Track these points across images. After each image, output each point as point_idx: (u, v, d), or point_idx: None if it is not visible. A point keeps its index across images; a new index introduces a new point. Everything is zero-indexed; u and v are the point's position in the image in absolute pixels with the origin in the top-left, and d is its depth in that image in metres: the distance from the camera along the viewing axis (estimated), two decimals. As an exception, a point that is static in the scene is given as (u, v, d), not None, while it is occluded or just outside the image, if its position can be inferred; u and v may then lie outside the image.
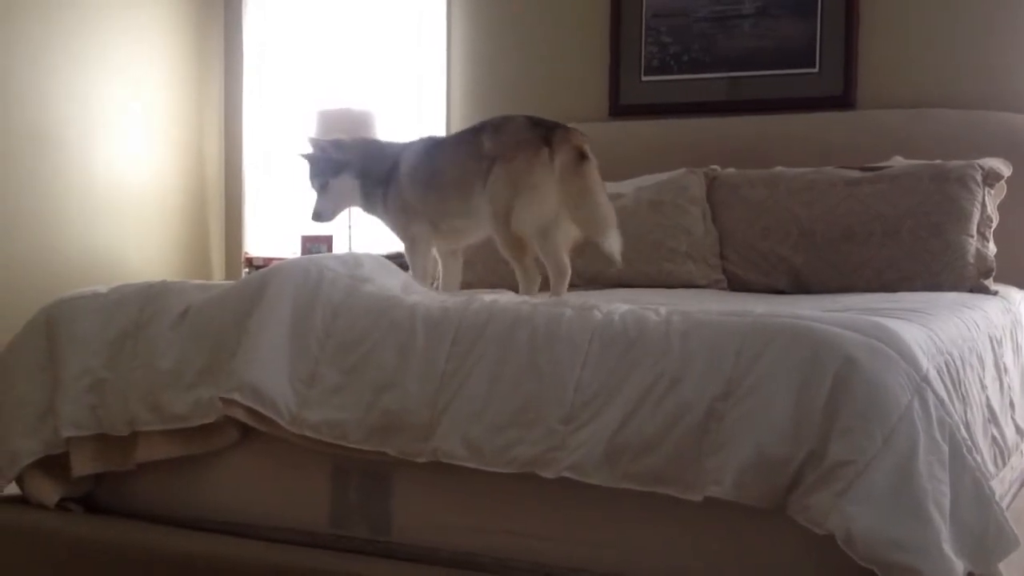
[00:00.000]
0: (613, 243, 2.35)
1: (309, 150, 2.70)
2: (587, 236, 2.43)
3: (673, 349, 1.72)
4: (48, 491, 2.17)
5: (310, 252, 4.09)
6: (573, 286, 2.67)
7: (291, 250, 4.26)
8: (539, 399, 1.76)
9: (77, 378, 2.14)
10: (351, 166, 2.66)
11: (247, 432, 2.00)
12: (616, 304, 1.91)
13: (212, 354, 2.04)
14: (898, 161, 3.19)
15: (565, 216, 2.42)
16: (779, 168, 3.27)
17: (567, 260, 2.51)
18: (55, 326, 2.22)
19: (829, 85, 3.65)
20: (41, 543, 2.12)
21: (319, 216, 2.67)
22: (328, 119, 4.01)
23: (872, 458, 1.53)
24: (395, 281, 2.17)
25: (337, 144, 2.72)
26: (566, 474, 1.71)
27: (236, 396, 1.94)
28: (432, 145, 2.69)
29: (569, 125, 2.53)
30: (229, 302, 2.10)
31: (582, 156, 2.40)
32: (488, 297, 2.03)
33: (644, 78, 3.91)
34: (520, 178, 2.39)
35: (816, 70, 3.68)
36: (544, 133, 2.44)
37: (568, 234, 2.48)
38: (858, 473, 1.52)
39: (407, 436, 1.84)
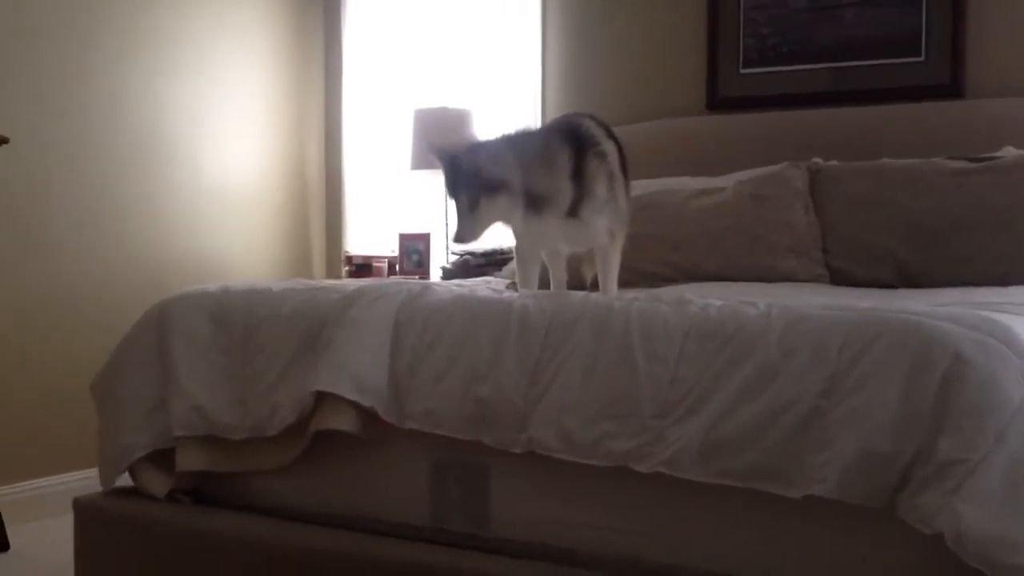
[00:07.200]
0: None
1: None
2: None
3: (773, 344, 1.68)
4: (158, 483, 2.23)
5: (408, 250, 4.14)
6: (671, 280, 2.64)
7: (390, 248, 4.32)
8: (634, 393, 1.75)
9: (188, 378, 2.19)
10: None
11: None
12: (712, 299, 1.89)
13: (312, 351, 2.07)
14: (1009, 151, 3.09)
15: None
16: (884, 160, 3.19)
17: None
18: (166, 324, 2.27)
19: (936, 73, 3.55)
20: (150, 533, 2.19)
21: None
22: (425, 117, 4.05)
23: (984, 456, 1.48)
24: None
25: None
26: (661, 469, 1.69)
27: (340, 390, 1.96)
28: None
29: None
30: (330, 304, 2.13)
31: None
32: (582, 292, 2.02)
33: (743, 70, 3.86)
34: None
35: (922, 58, 3.58)
36: None
37: None
38: (969, 472, 1.48)
39: (501, 426, 1.85)
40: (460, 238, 2.21)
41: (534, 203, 2.24)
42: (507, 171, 2.20)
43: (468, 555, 1.88)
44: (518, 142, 2.31)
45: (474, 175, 2.18)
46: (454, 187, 2.21)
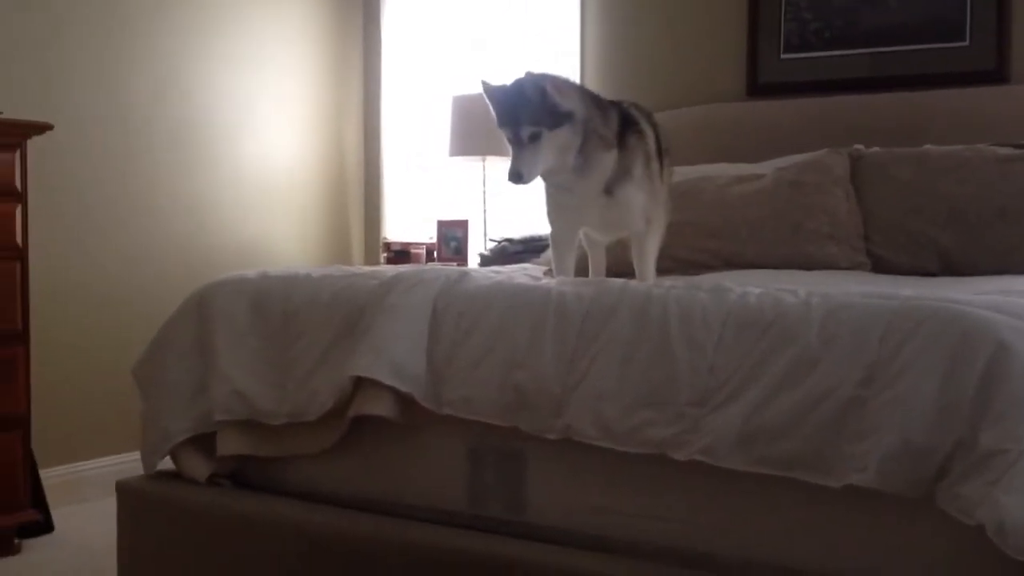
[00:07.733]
0: None
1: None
2: None
3: (812, 332, 1.67)
4: (199, 467, 2.25)
5: (446, 237, 4.14)
6: (709, 267, 2.62)
7: (428, 235, 4.33)
8: (671, 381, 1.75)
9: (228, 363, 2.21)
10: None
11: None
12: (751, 286, 1.87)
13: (350, 337, 2.08)
14: (1056, 138, 3.04)
15: None
16: (928, 146, 3.15)
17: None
18: (206, 310, 2.29)
19: (980, 59, 3.50)
20: (191, 516, 2.21)
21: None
22: (463, 104, 4.05)
23: (1027, 447, 1.46)
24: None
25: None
26: (698, 457, 1.69)
27: (378, 375, 1.97)
28: None
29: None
30: (368, 290, 2.14)
31: None
32: (620, 280, 2.02)
33: (783, 56, 3.82)
34: None
35: (966, 43, 3.52)
36: None
37: None
38: (1011, 462, 1.46)
39: (538, 413, 1.85)
40: (517, 175, 2.12)
41: (586, 148, 2.19)
42: (573, 102, 2.17)
43: (504, 541, 1.89)
44: (577, 85, 2.28)
45: (539, 103, 2.12)
46: (514, 117, 2.13)
